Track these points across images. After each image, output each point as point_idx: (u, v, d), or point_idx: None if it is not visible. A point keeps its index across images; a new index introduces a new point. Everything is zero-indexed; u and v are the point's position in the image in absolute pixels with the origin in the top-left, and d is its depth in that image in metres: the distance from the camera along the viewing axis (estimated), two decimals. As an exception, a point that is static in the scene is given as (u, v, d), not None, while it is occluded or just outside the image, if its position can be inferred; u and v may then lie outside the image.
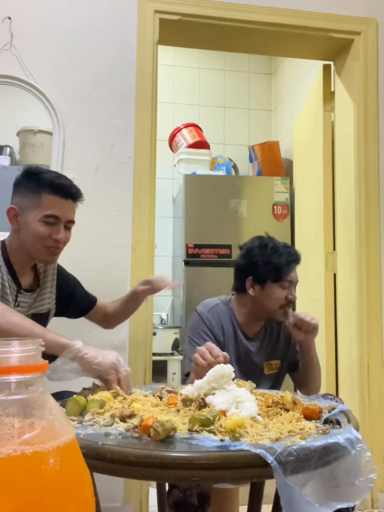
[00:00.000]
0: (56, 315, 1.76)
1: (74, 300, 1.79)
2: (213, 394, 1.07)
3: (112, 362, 1.25)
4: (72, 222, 1.59)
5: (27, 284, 1.62)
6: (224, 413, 0.98)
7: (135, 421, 0.95)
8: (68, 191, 1.54)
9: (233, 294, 1.91)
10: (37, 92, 2.24)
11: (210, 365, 1.35)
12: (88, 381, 1.38)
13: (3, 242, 1.60)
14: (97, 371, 1.25)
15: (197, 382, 1.10)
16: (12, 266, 1.56)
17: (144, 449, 0.84)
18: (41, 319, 1.62)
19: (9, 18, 2.25)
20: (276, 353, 1.88)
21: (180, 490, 1.40)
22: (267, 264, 1.78)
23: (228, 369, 1.08)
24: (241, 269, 1.85)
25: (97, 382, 1.28)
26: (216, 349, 1.41)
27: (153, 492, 1.75)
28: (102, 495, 1.38)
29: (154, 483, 1.74)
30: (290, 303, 1.79)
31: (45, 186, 1.51)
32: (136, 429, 0.92)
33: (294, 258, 1.81)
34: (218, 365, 1.11)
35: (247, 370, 1.77)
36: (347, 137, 2.66)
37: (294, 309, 1.97)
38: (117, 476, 0.94)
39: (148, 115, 2.35)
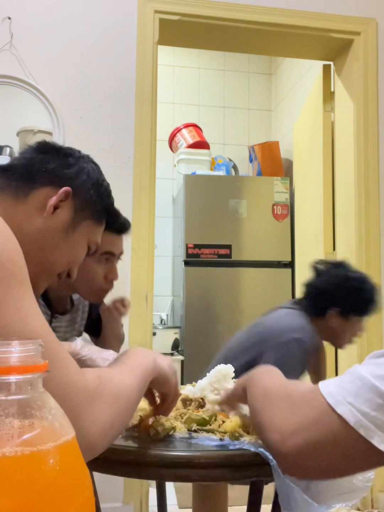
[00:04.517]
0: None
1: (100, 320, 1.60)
2: (216, 395, 1.06)
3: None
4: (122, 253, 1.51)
5: (60, 308, 1.51)
6: (226, 415, 0.98)
7: (134, 420, 0.95)
8: (122, 227, 1.47)
9: (293, 308, 1.80)
10: (37, 92, 2.24)
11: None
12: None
13: None
14: None
15: (200, 383, 1.10)
16: (48, 294, 1.42)
17: (143, 448, 0.84)
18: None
19: (9, 18, 2.25)
20: None
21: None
22: (359, 299, 1.71)
23: (229, 369, 1.08)
24: (322, 295, 1.74)
25: None
26: None
27: (153, 492, 1.75)
28: (102, 495, 1.38)
29: (153, 483, 1.74)
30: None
31: None
32: (135, 429, 0.92)
33: (379, 297, 1.75)
34: (219, 365, 1.10)
35: None
36: (347, 137, 2.66)
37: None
38: (117, 475, 0.94)
39: (148, 115, 2.35)
